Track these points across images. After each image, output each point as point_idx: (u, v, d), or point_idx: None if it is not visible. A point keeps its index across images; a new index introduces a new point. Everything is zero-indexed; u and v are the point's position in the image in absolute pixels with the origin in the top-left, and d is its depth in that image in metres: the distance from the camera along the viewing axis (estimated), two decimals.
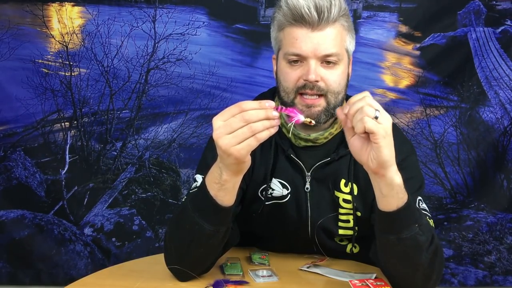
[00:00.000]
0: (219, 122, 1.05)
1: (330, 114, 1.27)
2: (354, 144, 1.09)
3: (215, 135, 1.05)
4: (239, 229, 1.32)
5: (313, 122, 1.14)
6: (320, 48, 1.22)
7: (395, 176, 1.08)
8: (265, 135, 1.05)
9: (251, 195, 1.35)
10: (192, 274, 1.20)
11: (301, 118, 1.11)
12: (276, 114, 1.05)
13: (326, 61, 1.24)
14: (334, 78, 1.25)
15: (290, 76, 1.26)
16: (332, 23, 1.22)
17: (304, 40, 1.22)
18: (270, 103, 1.05)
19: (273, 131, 1.05)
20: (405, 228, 1.11)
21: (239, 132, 1.04)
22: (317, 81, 1.22)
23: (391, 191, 1.09)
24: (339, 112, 1.09)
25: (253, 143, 1.05)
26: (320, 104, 1.25)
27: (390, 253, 1.16)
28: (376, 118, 1.02)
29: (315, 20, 1.21)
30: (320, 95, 1.25)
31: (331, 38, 1.23)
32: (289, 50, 1.24)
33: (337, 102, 1.27)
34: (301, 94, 1.25)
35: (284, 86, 1.28)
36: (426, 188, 2.26)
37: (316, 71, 1.22)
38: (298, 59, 1.24)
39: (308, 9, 1.20)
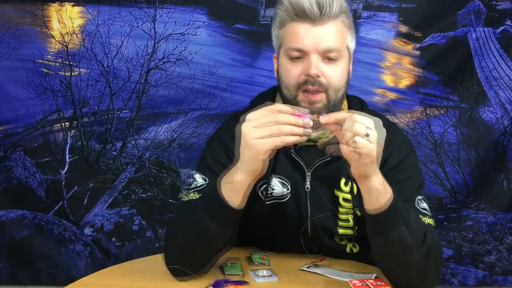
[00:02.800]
0: (252, 115, 1.10)
1: (331, 110, 1.27)
2: (343, 147, 1.10)
3: (244, 124, 1.09)
4: (239, 229, 1.32)
5: (320, 116, 1.13)
6: (321, 42, 1.23)
7: (374, 184, 1.09)
8: (290, 139, 1.08)
9: (251, 195, 1.35)
10: (192, 274, 1.20)
11: (308, 116, 1.11)
12: (309, 122, 1.08)
13: (328, 57, 1.24)
14: (335, 74, 1.26)
15: (291, 73, 1.26)
16: (333, 19, 1.24)
17: (306, 35, 1.23)
18: (308, 121, 1.09)
19: (301, 139, 1.09)
20: (391, 229, 1.11)
21: (266, 128, 1.07)
22: (318, 76, 1.23)
23: (370, 196, 1.11)
24: (323, 120, 1.11)
25: (277, 142, 1.08)
26: (321, 99, 1.26)
27: (381, 254, 1.18)
28: (367, 135, 1.03)
29: (316, 15, 1.22)
30: (321, 91, 1.25)
31: (332, 34, 1.24)
32: (291, 45, 1.25)
33: (337, 99, 1.28)
34: (303, 91, 1.25)
35: (286, 83, 1.28)
36: (426, 188, 2.26)
37: (317, 66, 1.23)
38: (300, 55, 1.25)
39: (310, 4, 1.21)
